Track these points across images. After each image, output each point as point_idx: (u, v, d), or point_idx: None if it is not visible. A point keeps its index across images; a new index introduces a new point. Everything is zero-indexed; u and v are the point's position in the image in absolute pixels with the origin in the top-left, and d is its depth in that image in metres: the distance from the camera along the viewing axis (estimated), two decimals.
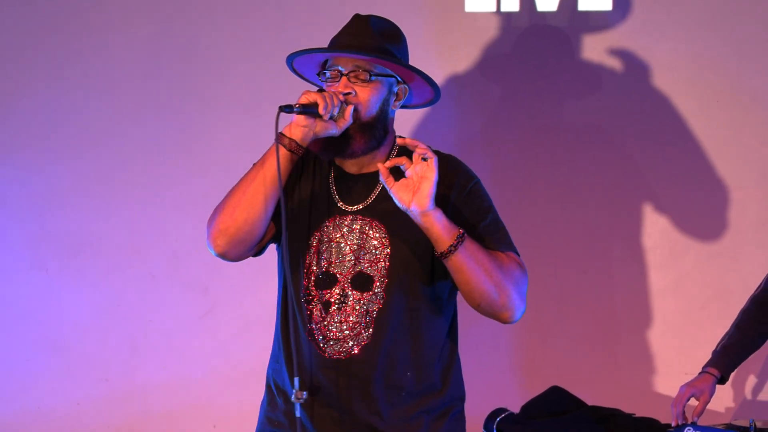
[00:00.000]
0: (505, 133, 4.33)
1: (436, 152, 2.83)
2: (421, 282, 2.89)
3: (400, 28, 3.02)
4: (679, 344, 4.25)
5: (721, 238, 4.25)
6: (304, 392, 2.75)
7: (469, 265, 2.77)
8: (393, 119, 2.99)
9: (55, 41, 4.51)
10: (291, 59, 2.97)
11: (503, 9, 4.31)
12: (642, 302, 4.27)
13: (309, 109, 2.79)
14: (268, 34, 4.43)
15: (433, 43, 4.30)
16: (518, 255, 2.94)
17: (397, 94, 2.94)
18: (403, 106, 3.02)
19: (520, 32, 4.31)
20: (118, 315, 4.47)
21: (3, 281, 4.49)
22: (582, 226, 4.30)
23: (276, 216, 2.89)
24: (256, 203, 2.85)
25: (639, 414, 3.71)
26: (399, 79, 2.94)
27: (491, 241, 2.89)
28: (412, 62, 2.97)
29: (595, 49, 4.30)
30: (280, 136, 2.83)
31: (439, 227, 2.75)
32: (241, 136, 4.44)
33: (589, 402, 3.75)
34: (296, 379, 2.76)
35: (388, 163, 2.78)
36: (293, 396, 2.74)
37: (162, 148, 4.47)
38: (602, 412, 3.68)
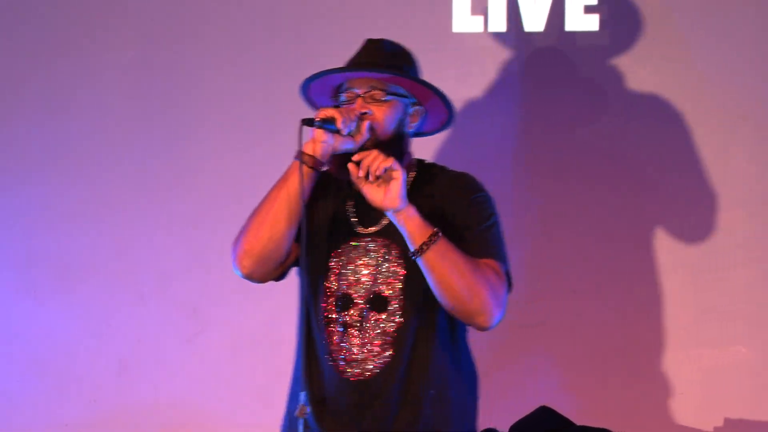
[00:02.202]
0: (492, 153, 4.34)
1: (451, 171, 3.02)
2: (435, 300, 2.91)
3: None
4: (666, 364, 4.24)
5: (709, 257, 4.25)
6: (308, 407, 2.77)
7: (441, 264, 2.80)
8: (410, 141, 3.04)
9: (38, 62, 4.51)
10: (306, 85, 3.02)
11: (490, 29, 4.33)
12: (629, 322, 4.27)
13: (328, 124, 2.83)
14: (258, 55, 4.44)
15: (420, 63, 4.31)
16: (506, 266, 2.97)
17: (411, 116, 3.00)
18: (419, 134, 3.08)
19: (508, 53, 4.33)
20: (106, 336, 4.46)
21: None
22: (570, 245, 4.30)
23: (299, 236, 2.91)
24: (280, 221, 2.87)
25: None
26: (414, 100, 3.00)
27: (479, 247, 2.93)
28: None
29: (581, 69, 4.31)
30: (299, 153, 2.88)
31: (411, 225, 2.80)
32: (232, 157, 4.44)
33: (578, 422, 3.74)
34: (303, 394, 2.80)
35: (356, 157, 2.81)
36: (297, 411, 2.75)
37: (150, 169, 4.47)
38: None
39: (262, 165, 4.42)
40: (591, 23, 4.29)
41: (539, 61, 4.33)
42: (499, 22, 4.32)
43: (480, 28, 4.33)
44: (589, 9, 4.29)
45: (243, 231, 2.91)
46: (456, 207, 2.97)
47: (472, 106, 4.35)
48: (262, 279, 2.98)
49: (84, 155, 4.49)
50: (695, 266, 4.26)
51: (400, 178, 2.78)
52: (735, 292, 4.21)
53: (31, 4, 4.53)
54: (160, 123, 4.48)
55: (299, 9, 4.43)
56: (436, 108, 3.06)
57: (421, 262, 2.82)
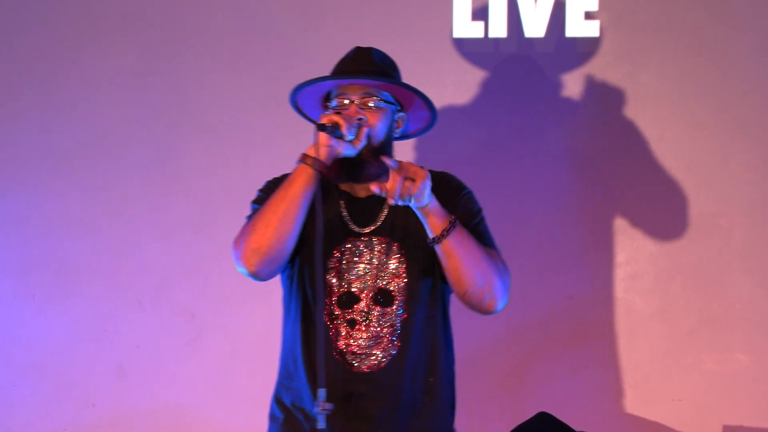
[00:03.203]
0: (492, 157, 4.34)
1: (431, 171, 3.02)
2: (434, 291, 3.10)
3: (391, 54, 3.24)
4: (666, 370, 4.25)
5: (708, 265, 4.25)
6: (328, 404, 2.88)
7: (459, 250, 2.96)
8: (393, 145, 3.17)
9: (40, 67, 4.51)
10: (296, 92, 3.14)
11: (491, 35, 4.33)
12: (629, 328, 4.27)
13: (335, 130, 2.95)
14: (258, 62, 4.44)
15: (420, 69, 4.30)
16: (502, 256, 3.13)
17: (397, 122, 3.15)
18: (400, 137, 3.21)
19: (508, 58, 4.33)
20: (104, 340, 4.45)
21: None
22: (568, 251, 4.30)
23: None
24: (287, 222, 2.98)
25: None
26: (399, 107, 3.14)
27: (479, 240, 3.07)
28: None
29: (581, 74, 4.31)
30: (304, 157, 2.99)
31: (433, 214, 2.95)
32: (230, 162, 4.44)
33: (577, 428, 3.74)
34: (322, 391, 2.88)
35: (374, 187, 2.92)
36: (318, 408, 2.87)
37: (148, 174, 4.47)
38: None
39: (260, 171, 4.42)
40: (591, 29, 4.29)
41: (540, 67, 4.33)
42: (499, 28, 4.32)
43: (480, 34, 4.33)
44: (589, 15, 4.29)
45: (248, 231, 3.01)
46: (447, 205, 3.05)
47: (472, 111, 4.34)
48: (266, 277, 3.07)
49: (83, 160, 4.49)
50: (694, 273, 4.26)
51: (425, 179, 2.90)
52: (734, 299, 4.21)
53: (31, 10, 4.53)
54: (159, 128, 4.47)
55: (299, 15, 4.43)
56: (417, 113, 3.20)
57: (439, 248, 2.97)
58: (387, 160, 2.90)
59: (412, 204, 2.91)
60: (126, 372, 4.45)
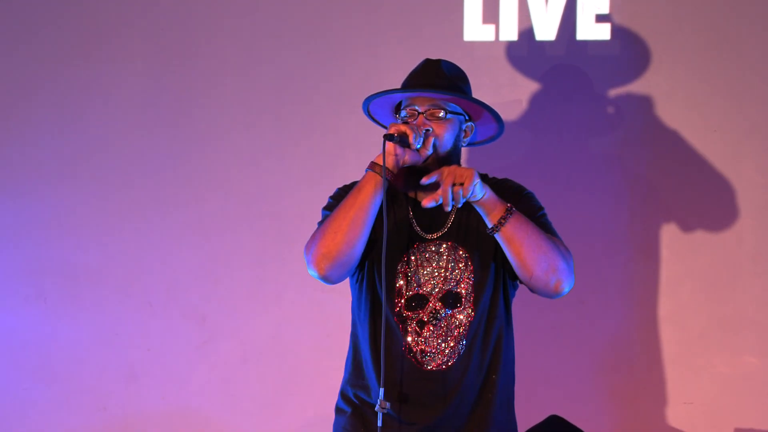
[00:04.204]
0: (502, 161, 4.34)
1: (493, 179, 3.29)
2: (498, 292, 3.25)
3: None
4: (677, 374, 4.24)
5: (719, 267, 4.24)
6: (388, 403, 3.07)
7: (518, 234, 3.09)
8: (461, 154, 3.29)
9: (50, 72, 4.52)
10: (368, 101, 3.26)
11: (502, 38, 4.33)
12: (640, 332, 4.26)
13: (403, 139, 3.06)
14: (269, 67, 4.45)
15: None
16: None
17: (465, 131, 3.28)
18: (467, 145, 3.34)
19: (519, 62, 4.33)
20: (115, 344, 4.46)
21: (0, 311, 4.48)
22: (579, 255, 4.29)
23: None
24: (356, 227, 3.11)
25: None
26: (467, 117, 3.26)
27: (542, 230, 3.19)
28: None
29: (593, 78, 4.31)
30: (373, 165, 3.12)
31: (489, 204, 3.09)
32: (241, 167, 4.44)
33: (588, 431, 3.73)
34: (381, 390, 3.07)
35: (428, 202, 3.04)
36: (377, 406, 3.06)
37: (159, 177, 4.48)
38: None
39: (271, 175, 4.44)
40: (602, 32, 4.29)
41: (550, 70, 4.33)
42: (510, 31, 4.32)
43: (491, 37, 4.34)
44: (600, 18, 4.29)
45: (319, 236, 3.14)
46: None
47: None
48: (336, 280, 3.19)
49: (95, 165, 4.50)
50: (705, 276, 4.25)
51: (472, 179, 3.02)
52: (745, 301, 4.20)
53: (42, 15, 4.54)
54: (170, 133, 4.48)
55: (311, 18, 4.44)
56: (484, 123, 3.32)
57: (500, 236, 3.09)
58: (425, 180, 3.02)
59: (469, 200, 3.03)
60: (137, 375, 4.46)
